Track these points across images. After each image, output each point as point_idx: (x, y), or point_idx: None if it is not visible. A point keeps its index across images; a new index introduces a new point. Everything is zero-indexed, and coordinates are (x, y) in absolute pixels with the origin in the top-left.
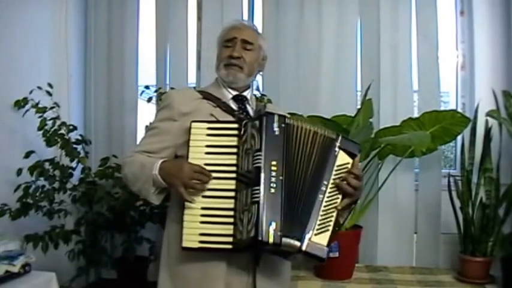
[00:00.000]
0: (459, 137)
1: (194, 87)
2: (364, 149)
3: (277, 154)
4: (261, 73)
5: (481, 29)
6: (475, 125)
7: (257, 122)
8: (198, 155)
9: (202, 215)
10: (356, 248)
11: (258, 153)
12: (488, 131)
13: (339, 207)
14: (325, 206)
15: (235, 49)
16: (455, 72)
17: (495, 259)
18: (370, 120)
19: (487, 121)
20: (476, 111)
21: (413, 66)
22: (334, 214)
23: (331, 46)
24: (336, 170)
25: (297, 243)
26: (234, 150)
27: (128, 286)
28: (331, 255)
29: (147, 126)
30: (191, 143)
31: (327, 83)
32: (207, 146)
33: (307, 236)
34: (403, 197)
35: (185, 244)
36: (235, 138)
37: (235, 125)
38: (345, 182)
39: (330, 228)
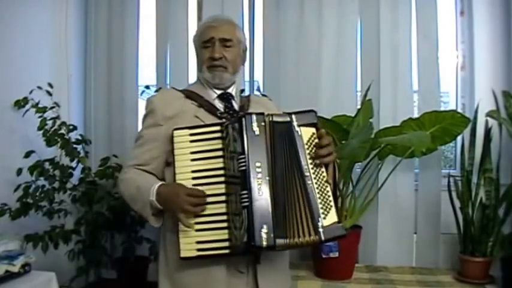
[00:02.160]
0: (459, 137)
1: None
2: (364, 149)
3: (261, 155)
4: (243, 65)
5: (481, 29)
6: (475, 125)
7: (237, 124)
8: (184, 163)
9: (197, 223)
10: (356, 248)
11: (242, 156)
12: (488, 131)
13: (330, 180)
14: (317, 188)
15: (215, 50)
16: (455, 72)
17: (495, 259)
18: (370, 120)
19: (487, 121)
20: (476, 111)
21: (413, 66)
22: (328, 188)
23: (331, 46)
24: (308, 148)
25: (315, 237)
26: (220, 153)
27: (128, 286)
28: (331, 255)
29: None
30: (175, 152)
31: (327, 83)
32: (192, 153)
33: (319, 224)
34: (403, 197)
35: (183, 254)
36: (220, 141)
37: (218, 128)
38: (318, 160)
39: (332, 203)
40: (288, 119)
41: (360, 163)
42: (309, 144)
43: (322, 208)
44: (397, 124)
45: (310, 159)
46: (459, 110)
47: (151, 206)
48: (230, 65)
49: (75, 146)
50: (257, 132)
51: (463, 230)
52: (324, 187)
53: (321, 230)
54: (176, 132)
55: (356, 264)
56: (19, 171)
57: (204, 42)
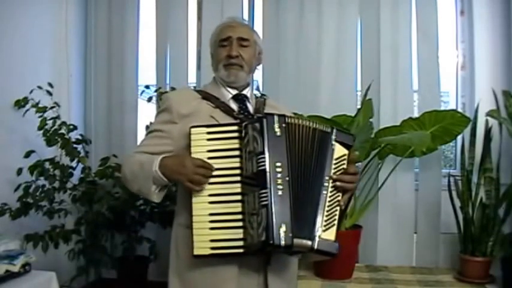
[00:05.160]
0: (459, 137)
1: (194, 87)
2: (364, 149)
3: (281, 155)
4: (258, 68)
5: (481, 28)
6: (475, 125)
7: (258, 124)
8: None
9: (211, 221)
10: (356, 247)
11: (262, 155)
12: (488, 131)
13: (342, 203)
14: (329, 201)
15: (232, 48)
16: (455, 72)
17: (495, 259)
18: (370, 120)
19: (487, 121)
20: (476, 111)
21: (413, 66)
22: (338, 209)
23: (331, 46)
24: (335, 164)
25: (309, 243)
26: (237, 152)
27: (128, 286)
28: None
29: (147, 127)
30: (192, 150)
31: (327, 83)
32: (209, 151)
33: (317, 234)
34: (403, 197)
35: (197, 252)
36: (237, 141)
37: (236, 127)
38: (339, 183)
39: (336, 222)
40: (329, 130)
41: (360, 163)
42: (337, 161)
43: (325, 221)
44: (397, 124)
45: (333, 175)
46: (459, 110)
47: (154, 179)
48: (246, 64)
49: (75, 145)
50: (278, 134)
51: (463, 229)
52: (334, 205)
53: (316, 238)
54: (193, 130)
55: (356, 264)
56: (19, 171)
57: (221, 41)
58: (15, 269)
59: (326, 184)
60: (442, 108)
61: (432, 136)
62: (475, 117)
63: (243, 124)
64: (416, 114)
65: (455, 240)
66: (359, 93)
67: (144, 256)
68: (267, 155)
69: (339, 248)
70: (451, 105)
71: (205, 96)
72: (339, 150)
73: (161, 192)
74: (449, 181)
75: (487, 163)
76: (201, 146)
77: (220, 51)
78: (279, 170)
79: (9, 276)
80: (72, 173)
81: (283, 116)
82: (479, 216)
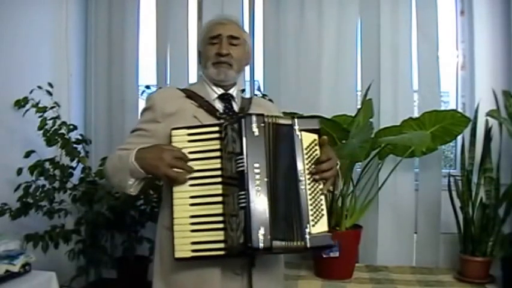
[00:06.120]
0: (459, 137)
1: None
2: (364, 149)
3: (259, 156)
4: (246, 66)
5: (481, 28)
6: (475, 125)
7: (236, 125)
8: None
9: (192, 223)
10: (356, 247)
11: (240, 156)
12: (488, 131)
13: (325, 191)
14: (310, 194)
15: (222, 46)
16: (455, 72)
17: (495, 259)
18: (370, 120)
19: (487, 121)
20: (476, 111)
21: (413, 66)
22: (323, 197)
23: (331, 46)
24: (307, 153)
25: (298, 243)
26: (218, 154)
27: (128, 286)
28: (331, 255)
29: None
30: None
31: (327, 83)
32: (190, 153)
33: (307, 231)
34: (403, 197)
35: (178, 255)
36: (218, 142)
37: (217, 128)
38: (317, 176)
39: (324, 212)
40: (290, 122)
41: (360, 163)
42: (308, 149)
43: (312, 215)
44: (397, 124)
45: (308, 166)
46: (459, 110)
47: (131, 171)
48: (235, 63)
49: (75, 145)
50: (256, 133)
51: (463, 229)
52: (316, 196)
53: (307, 236)
54: (174, 132)
55: (356, 264)
56: (19, 171)
57: (211, 38)
58: (15, 269)
59: (302, 178)
60: (442, 108)
61: (432, 136)
62: (475, 117)
63: (223, 125)
64: (416, 114)
65: (455, 240)
66: (359, 93)
67: (144, 256)
68: (245, 155)
69: (332, 238)
70: (451, 105)
71: (190, 94)
72: (307, 138)
73: (139, 185)
74: (449, 181)
75: (487, 163)
76: (182, 148)
77: (209, 49)
78: (257, 171)
79: (9, 276)
80: (72, 173)
81: (262, 115)
82: (479, 216)
